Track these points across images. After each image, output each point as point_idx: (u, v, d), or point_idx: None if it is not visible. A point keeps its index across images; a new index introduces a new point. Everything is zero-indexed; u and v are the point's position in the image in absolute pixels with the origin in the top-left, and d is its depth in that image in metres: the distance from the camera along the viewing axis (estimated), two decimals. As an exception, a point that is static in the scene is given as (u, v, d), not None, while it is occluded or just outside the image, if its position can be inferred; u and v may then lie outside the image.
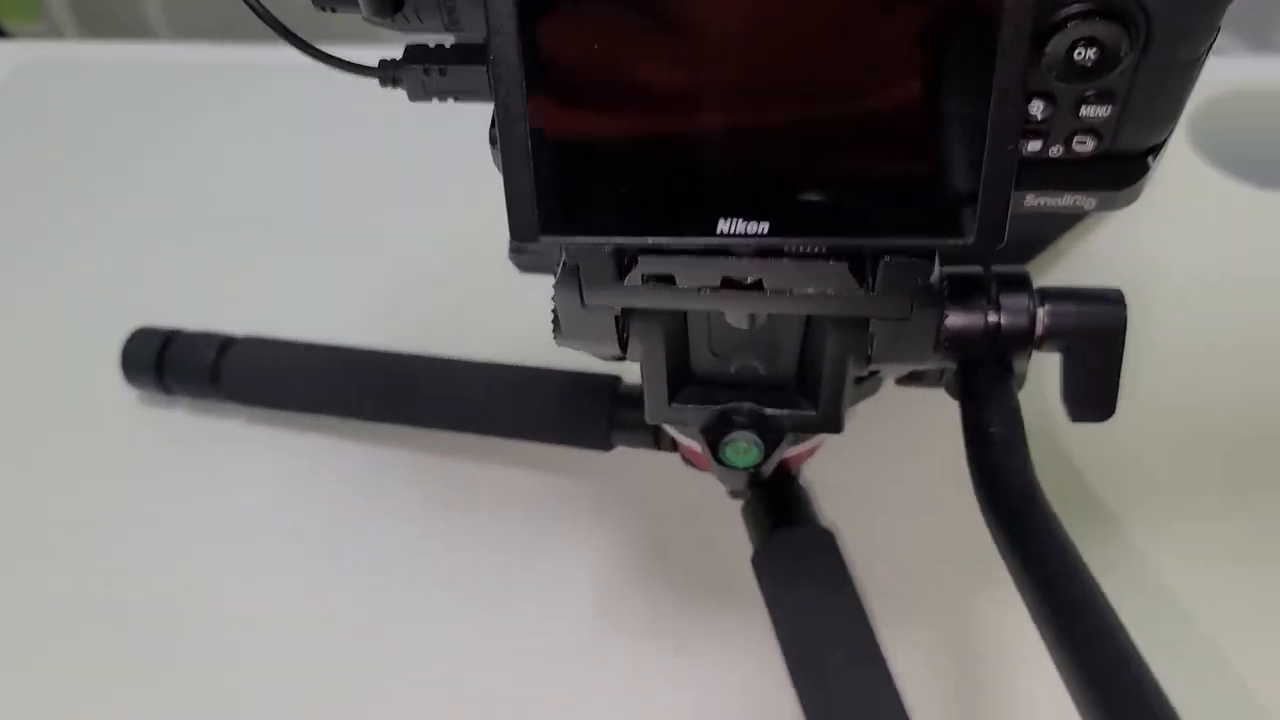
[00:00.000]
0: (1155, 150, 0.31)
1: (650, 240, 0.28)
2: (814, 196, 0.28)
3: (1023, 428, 0.32)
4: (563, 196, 0.28)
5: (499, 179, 0.28)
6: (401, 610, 0.47)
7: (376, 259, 0.63)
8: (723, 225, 0.28)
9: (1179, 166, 0.61)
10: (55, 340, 0.60)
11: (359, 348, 0.53)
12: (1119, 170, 0.31)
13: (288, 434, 0.54)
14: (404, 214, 0.65)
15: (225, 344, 0.54)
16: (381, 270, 0.62)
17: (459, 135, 0.40)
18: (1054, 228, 0.56)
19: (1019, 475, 0.31)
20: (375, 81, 0.32)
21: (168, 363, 0.54)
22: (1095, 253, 0.57)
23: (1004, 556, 0.30)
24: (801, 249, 0.30)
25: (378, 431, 0.53)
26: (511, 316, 0.55)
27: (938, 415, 0.37)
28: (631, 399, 0.48)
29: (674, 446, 0.47)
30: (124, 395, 0.56)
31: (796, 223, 0.28)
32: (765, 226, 0.28)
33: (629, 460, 0.49)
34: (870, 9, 0.26)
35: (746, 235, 0.28)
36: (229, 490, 0.53)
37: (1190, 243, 0.58)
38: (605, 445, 0.49)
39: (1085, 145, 0.30)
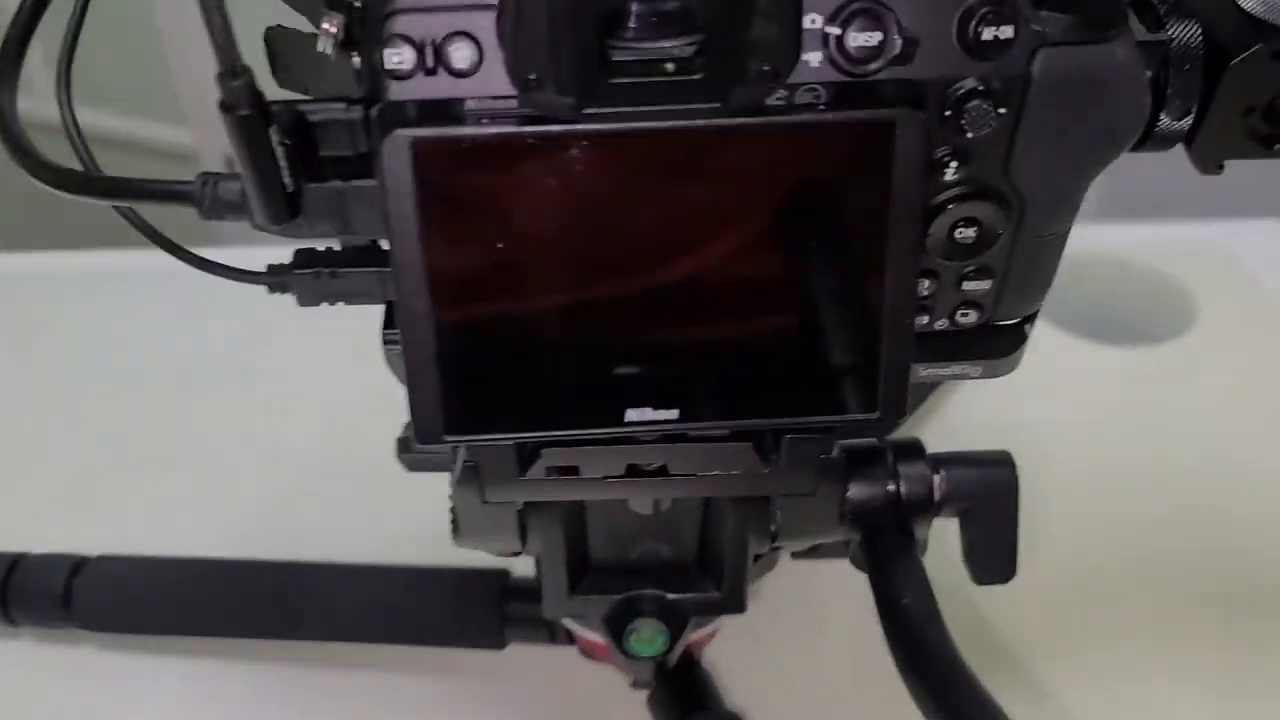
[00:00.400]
0: (1031, 318, 0.33)
1: (560, 434, 0.28)
2: (720, 382, 0.28)
3: (934, 597, 0.33)
4: (469, 397, 0.28)
5: (371, 377, 0.28)
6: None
7: (242, 464, 0.60)
8: (631, 415, 0.28)
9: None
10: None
11: (226, 559, 0.50)
12: (1000, 339, 0.33)
13: (146, 660, 0.50)
14: (267, 417, 0.63)
15: (77, 565, 0.50)
16: (248, 475, 0.59)
17: (321, 329, 0.39)
18: (917, 397, 0.58)
19: (939, 648, 0.31)
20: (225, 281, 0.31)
21: (12, 591, 0.49)
22: (947, 417, 0.59)
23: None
24: (707, 432, 0.30)
25: (249, 648, 0.49)
26: (387, 516, 0.53)
27: (835, 587, 0.37)
28: (523, 592, 0.47)
29: (571, 639, 0.46)
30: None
31: (704, 408, 0.28)
32: (674, 413, 0.28)
33: (523, 657, 0.47)
34: (759, 207, 0.27)
35: (655, 423, 0.28)
36: (84, 725, 0.48)
37: (1035, 398, 0.61)
38: (498, 644, 0.47)
39: (968, 317, 0.32)
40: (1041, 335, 0.63)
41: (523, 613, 0.46)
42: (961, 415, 0.59)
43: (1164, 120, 0.29)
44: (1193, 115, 0.29)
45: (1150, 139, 0.30)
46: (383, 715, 0.47)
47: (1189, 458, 0.58)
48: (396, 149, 0.26)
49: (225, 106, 0.25)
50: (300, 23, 0.29)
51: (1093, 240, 0.70)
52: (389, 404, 0.31)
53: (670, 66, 0.24)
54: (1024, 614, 0.49)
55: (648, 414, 0.28)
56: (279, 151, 0.26)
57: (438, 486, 0.37)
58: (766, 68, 0.25)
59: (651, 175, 0.26)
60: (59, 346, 0.70)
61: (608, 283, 0.27)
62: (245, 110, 0.25)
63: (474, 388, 0.28)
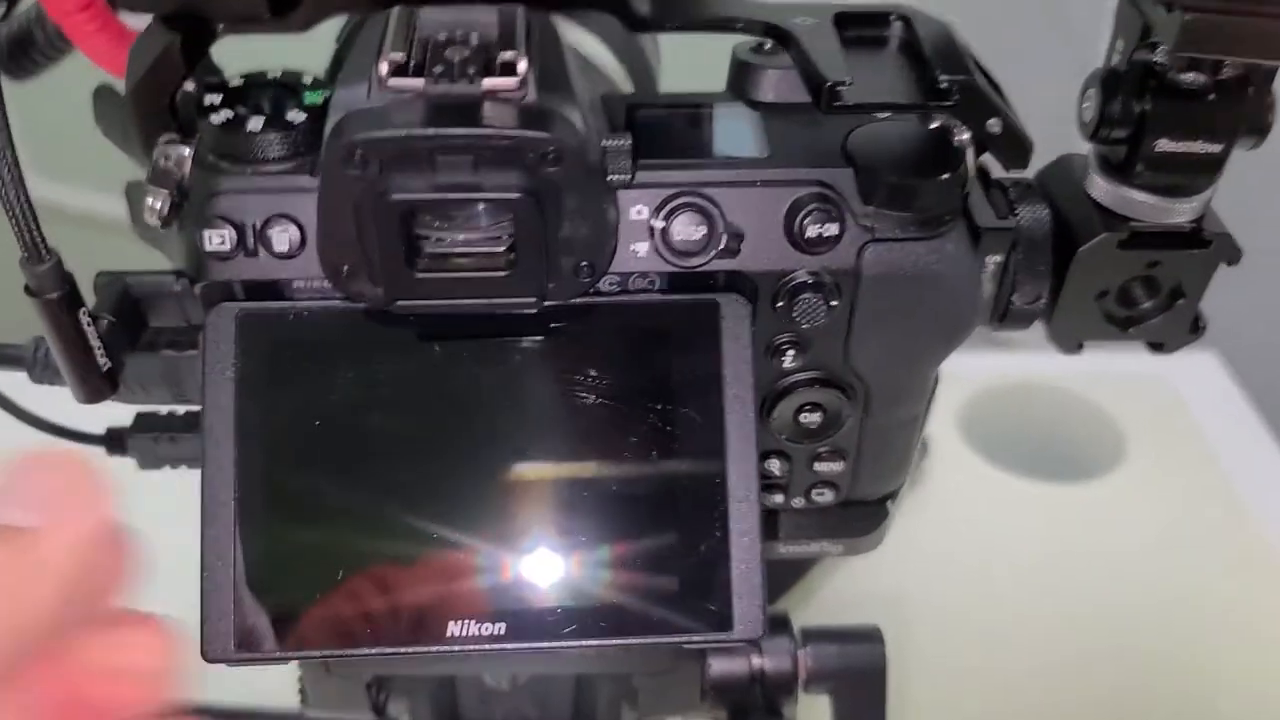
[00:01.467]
0: (893, 495, 0.32)
1: (372, 652, 0.25)
2: (551, 594, 0.26)
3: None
4: (270, 609, 0.25)
5: None
6: None
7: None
8: (453, 629, 0.25)
9: (949, 456, 0.64)
10: None
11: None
12: (861, 517, 0.32)
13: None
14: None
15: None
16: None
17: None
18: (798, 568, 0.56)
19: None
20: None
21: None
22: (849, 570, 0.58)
23: None
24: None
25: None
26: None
27: None
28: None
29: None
30: None
31: (533, 625, 0.25)
32: (500, 628, 0.25)
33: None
34: (586, 399, 0.26)
35: (479, 639, 0.25)
36: None
37: (963, 533, 0.60)
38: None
39: (825, 496, 0.31)
40: (967, 467, 0.63)
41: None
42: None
43: (1016, 302, 0.29)
44: (1044, 299, 0.29)
45: (1007, 318, 0.30)
46: None
47: (1109, 604, 0.56)
48: (220, 322, 0.26)
49: (30, 291, 0.24)
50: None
51: (1025, 369, 0.71)
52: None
53: (480, 263, 0.24)
54: None
55: (470, 628, 0.25)
56: (90, 332, 0.25)
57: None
58: (582, 263, 0.24)
59: (474, 363, 0.26)
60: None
61: (430, 479, 0.26)
62: (53, 294, 0.24)
63: (275, 598, 0.25)
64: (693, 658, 0.33)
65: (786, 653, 0.34)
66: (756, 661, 0.34)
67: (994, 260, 0.28)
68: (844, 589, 0.55)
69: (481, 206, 0.23)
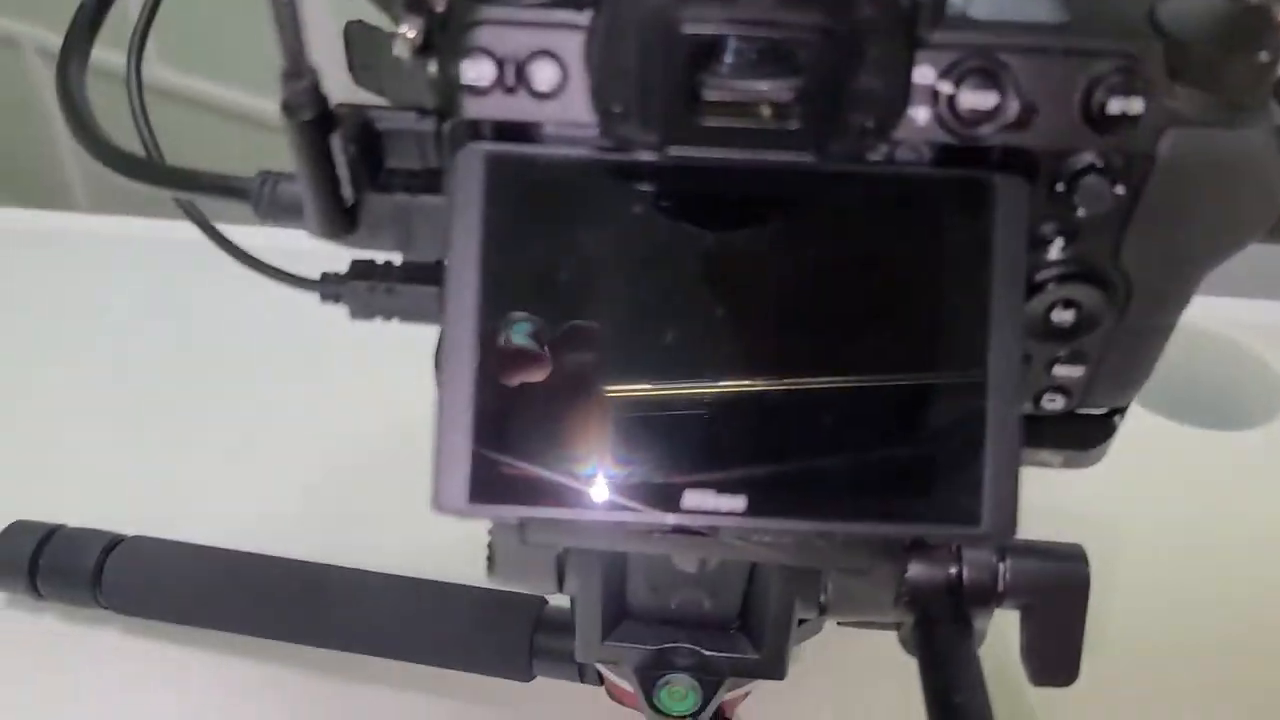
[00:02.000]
0: (1121, 410, 0.31)
1: (609, 517, 0.24)
2: (796, 472, 0.24)
3: (988, 697, 0.30)
4: (505, 460, 0.24)
5: (422, 380, 0.26)
6: None
7: (287, 454, 0.59)
8: (689, 500, 0.24)
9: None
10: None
11: (258, 553, 0.49)
12: (1086, 429, 0.30)
13: (171, 649, 0.49)
14: (319, 407, 0.62)
15: (112, 543, 0.49)
16: (292, 466, 0.58)
17: (380, 330, 0.37)
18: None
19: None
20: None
21: (44, 563, 0.49)
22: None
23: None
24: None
25: (275, 649, 0.48)
26: (429, 521, 0.52)
27: (879, 657, 0.35)
28: (556, 624, 0.45)
29: (599, 680, 0.44)
30: (-12, 598, 0.51)
31: (775, 501, 0.24)
32: (740, 502, 0.24)
33: (551, 691, 0.46)
34: (847, 273, 0.24)
35: (718, 513, 0.24)
36: (104, 711, 0.47)
37: (1125, 486, 0.57)
38: (525, 676, 0.45)
39: (1055, 403, 0.29)
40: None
41: (553, 647, 0.45)
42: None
43: None
44: None
45: None
46: (399, 735, 0.46)
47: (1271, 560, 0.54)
48: (470, 163, 0.24)
49: (286, 109, 0.23)
50: (383, 20, 0.28)
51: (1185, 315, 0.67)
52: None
53: (765, 111, 0.22)
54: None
55: (709, 500, 0.24)
56: (340, 161, 0.24)
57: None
58: (869, 122, 0.23)
59: (734, 226, 0.24)
60: (102, 315, 0.69)
61: (679, 341, 0.24)
62: (308, 114, 0.23)
63: (513, 450, 0.24)
64: (892, 561, 0.32)
65: (986, 563, 0.32)
66: (955, 571, 0.32)
67: None
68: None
69: (777, 48, 0.22)
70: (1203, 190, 0.25)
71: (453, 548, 0.46)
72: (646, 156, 0.23)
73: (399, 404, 0.58)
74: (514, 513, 0.25)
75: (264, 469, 0.58)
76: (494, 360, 0.24)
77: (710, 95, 0.22)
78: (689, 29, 0.21)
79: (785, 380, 0.25)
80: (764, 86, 0.22)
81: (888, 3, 0.21)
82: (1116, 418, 0.30)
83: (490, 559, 0.33)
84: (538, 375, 0.24)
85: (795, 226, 0.24)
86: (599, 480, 0.25)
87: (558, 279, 0.25)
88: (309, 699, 0.48)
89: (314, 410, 0.62)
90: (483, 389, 0.24)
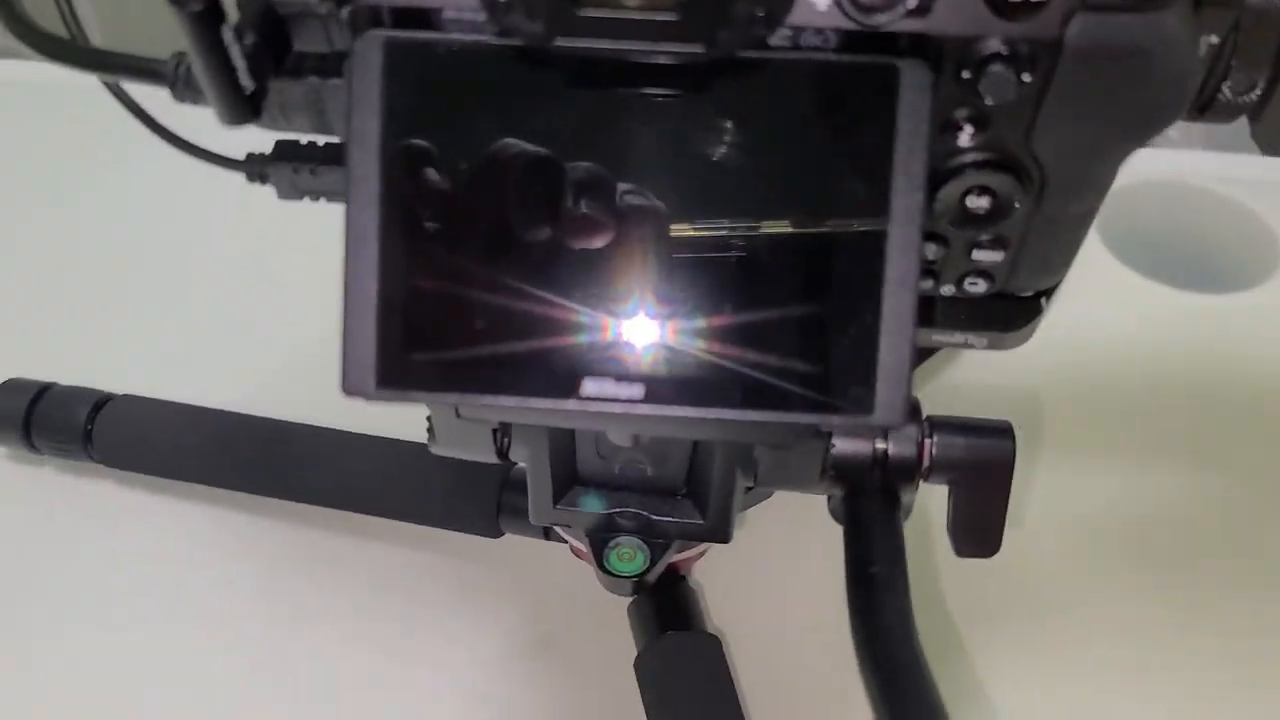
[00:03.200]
0: (1048, 293, 0.31)
1: (506, 401, 0.25)
2: (690, 360, 0.25)
3: (905, 570, 0.31)
4: (409, 347, 0.25)
5: None
6: (264, 692, 0.45)
7: (273, 317, 0.60)
8: (588, 387, 0.25)
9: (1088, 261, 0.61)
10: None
11: (239, 413, 0.50)
12: (1011, 311, 0.30)
13: (162, 499, 0.51)
14: (308, 268, 0.63)
15: (101, 401, 0.51)
16: (279, 328, 0.59)
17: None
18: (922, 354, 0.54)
19: (896, 626, 0.29)
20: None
21: (36, 419, 0.51)
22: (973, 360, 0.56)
23: (871, 705, 0.29)
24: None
25: (255, 503, 0.50)
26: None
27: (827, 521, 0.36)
28: (523, 485, 0.46)
29: (563, 539, 0.46)
30: (-12, 450, 0.53)
31: (671, 390, 0.25)
32: (638, 390, 0.25)
33: (517, 546, 0.48)
34: (743, 160, 0.24)
35: (615, 400, 0.25)
36: (93, 558, 0.50)
37: (1096, 341, 0.57)
38: (494, 533, 0.47)
39: (977, 286, 0.29)
40: (1103, 268, 0.59)
41: (519, 505, 0.46)
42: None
43: (1225, 93, 0.26)
44: (1258, 89, 0.26)
45: (1210, 110, 0.27)
46: (378, 584, 0.48)
47: (1244, 430, 0.54)
48: (369, 50, 0.24)
49: (173, 0, 0.23)
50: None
51: (1172, 167, 0.66)
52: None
53: (645, 1, 0.22)
54: (992, 595, 0.46)
55: (608, 388, 0.25)
56: (234, 51, 0.24)
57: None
58: (759, 10, 0.22)
59: (628, 114, 0.24)
60: (89, 170, 0.70)
61: (576, 229, 0.25)
62: (197, 5, 0.23)
63: (416, 337, 0.25)
64: (817, 437, 0.32)
65: (912, 439, 0.33)
66: (880, 445, 0.33)
67: (1208, 41, 0.25)
68: (970, 380, 0.54)
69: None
70: (1112, 77, 0.24)
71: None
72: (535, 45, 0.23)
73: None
74: (417, 398, 0.26)
75: (247, 332, 0.60)
76: (396, 246, 0.25)
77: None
78: None
79: (680, 268, 0.25)
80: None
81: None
82: (1043, 300, 0.31)
83: (430, 431, 0.34)
84: (443, 264, 0.25)
85: (688, 111, 0.24)
86: (498, 368, 0.25)
87: (456, 164, 0.25)
88: (289, 548, 0.50)
89: (297, 275, 0.62)
90: (387, 276, 0.25)
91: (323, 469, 0.48)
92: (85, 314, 0.61)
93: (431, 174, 0.25)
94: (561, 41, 0.23)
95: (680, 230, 0.25)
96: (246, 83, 0.25)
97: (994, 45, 0.24)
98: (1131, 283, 0.61)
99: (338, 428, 0.49)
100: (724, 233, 0.25)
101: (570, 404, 0.25)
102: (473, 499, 0.47)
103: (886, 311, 0.25)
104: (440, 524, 0.48)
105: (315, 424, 0.49)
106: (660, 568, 0.39)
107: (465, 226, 0.25)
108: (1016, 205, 0.27)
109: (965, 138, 0.25)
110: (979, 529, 0.34)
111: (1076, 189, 0.27)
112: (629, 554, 0.39)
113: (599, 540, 0.39)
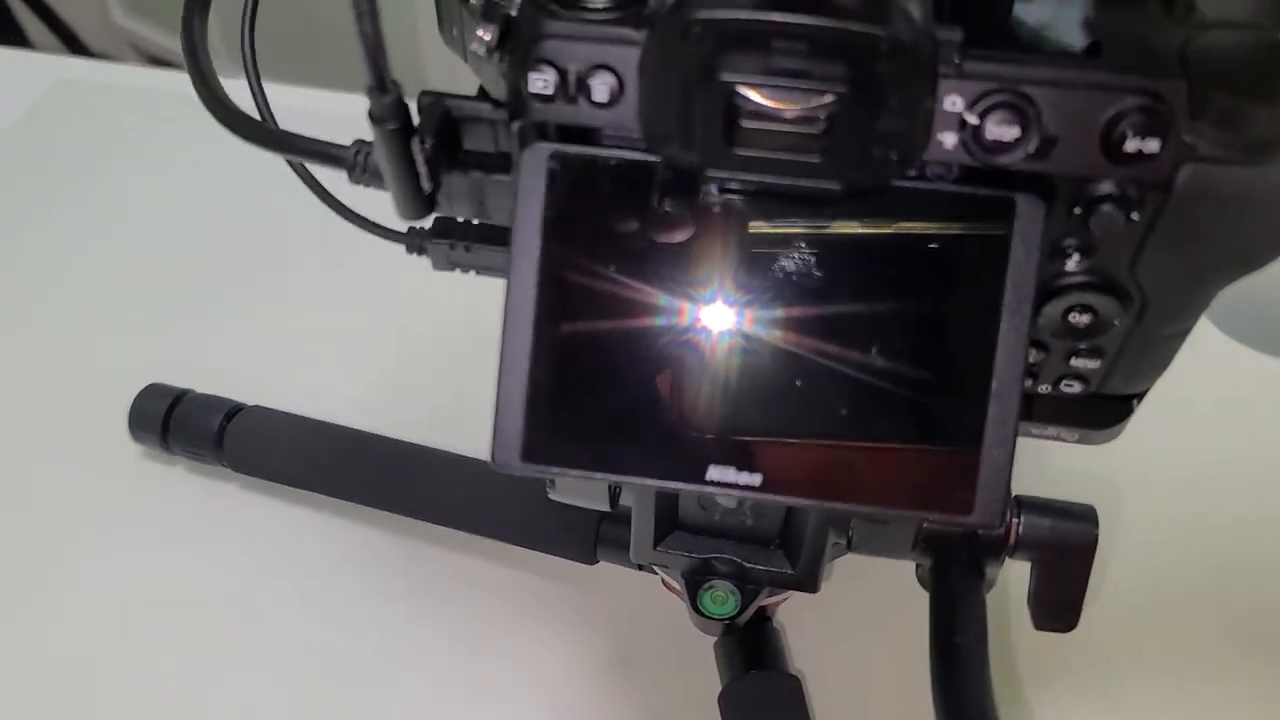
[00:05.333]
0: (1140, 395, 0.32)
1: (638, 481, 0.28)
2: (809, 456, 0.28)
3: (985, 643, 0.34)
4: (554, 425, 0.28)
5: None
6: (362, 694, 0.49)
7: (400, 334, 0.64)
8: (713, 473, 0.28)
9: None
10: (67, 387, 0.62)
11: (359, 430, 0.54)
12: (1103, 410, 0.32)
13: (282, 504, 0.55)
14: (437, 288, 0.66)
15: (232, 411, 0.55)
16: (404, 346, 0.63)
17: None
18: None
19: (977, 697, 0.32)
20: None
21: (173, 423, 0.55)
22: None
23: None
24: None
25: (369, 514, 0.54)
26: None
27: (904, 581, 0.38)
28: (621, 517, 0.49)
29: (655, 570, 0.49)
30: (129, 448, 0.57)
31: (789, 481, 0.27)
32: (756, 479, 0.27)
33: (611, 572, 0.50)
34: (872, 283, 0.27)
35: (736, 485, 0.28)
36: (216, 552, 0.54)
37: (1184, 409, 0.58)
38: (589, 560, 0.50)
39: (1072, 388, 0.31)
40: (1202, 337, 0.60)
41: (615, 536, 0.49)
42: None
43: None
44: None
45: None
46: (474, 597, 0.52)
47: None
48: (535, 160, 0.27)
49: (373, 118, 0.26)
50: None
51: None
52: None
53: (791, 144, 0.24)
54: (1067, 667, 0.47)
55: (730, 475, 0.27)
56: (419, 160, 0.27)
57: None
58: (893, 155, 0.25)
59: (767, 237, 0.27)
60: (218, 186, 0.74)
61: (714, 337, 0.27)
62: (392, 125, 0.26)
63: (560, 417, 0.28)
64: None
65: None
66: (971, 523, 0.35)
67: None
68: (1057, 460, 0.55)
69: (806, 93, 0.24)
70: (1217, 222, 0.26)
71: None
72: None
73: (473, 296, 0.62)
74: (558, 473, 0.28)
75: (365, 350, 0.63)
76: (548, 336, 0.28)
77: (745, 127, 0.24)
78: (725, 77, 0.23)
79: (804, 372, 0.27)
80: (792, 124, 0.24)
81: (908, 54, 0.22)
82: (1134, 401, 0.32)
83: (550, 481, 0.37)
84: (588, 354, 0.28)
85: (822, 235, 0.27)
86: (634, 452, 0.28)
87: (607, 261, 0.27)
88: (396, 559, 0.53)
89: (414, 295, 0.66)
90: (537, 360, 0.28)
91: (435, 489, 0.52)
92: (219, 323, 0.65)
93: (584, 269, 0.27)
94: (712, 173, 0.25)
95: (803, 339, 0.27)
96: (426, 185, 0.28)
97: (1105, 187, 0.26)
98: (1223, 346, 0.61)
99: (446, 449, 0.53)
100: (844, 341, 0.27)
101: (695, 487, 0.28)
102: (573, 528, 0.50)
103: (990, 421, 0.27)
104: (541, 548, 0.51)
105: (425, 443, 0.53)
106: (749, 612, 0.42)
107: (612, 318, 0.28)
108: (1115, 323, 0.29)
109: (1072, 263, 0.27)
110: (1059, 605, 0.36)
111: (1175, 313, 0.29)
112: (721, 597, 0.42)
113: (694, 582, 0.42)
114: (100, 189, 0.74)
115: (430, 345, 0.63)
